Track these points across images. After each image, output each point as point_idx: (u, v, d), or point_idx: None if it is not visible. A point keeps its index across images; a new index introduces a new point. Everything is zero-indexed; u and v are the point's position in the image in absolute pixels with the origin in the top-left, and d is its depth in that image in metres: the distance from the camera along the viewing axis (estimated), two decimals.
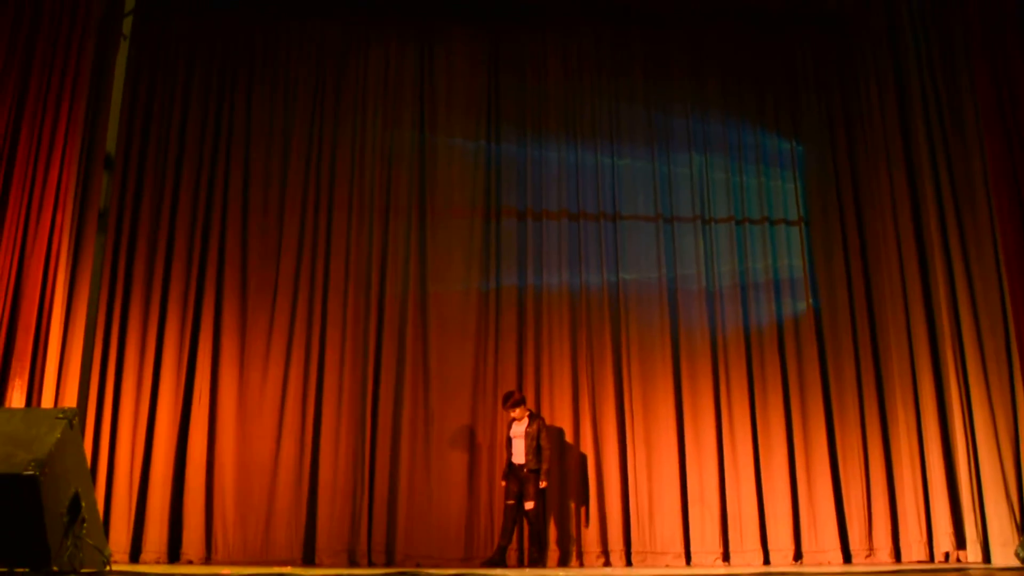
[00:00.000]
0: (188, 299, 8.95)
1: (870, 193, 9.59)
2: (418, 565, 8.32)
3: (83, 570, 4.64)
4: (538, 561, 8.26)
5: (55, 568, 4.46)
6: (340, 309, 9.14)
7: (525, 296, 9.39)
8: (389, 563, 8.44)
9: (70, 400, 7.69)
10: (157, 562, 8.11)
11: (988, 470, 7.80)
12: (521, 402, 8.45)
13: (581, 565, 8.56)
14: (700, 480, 8.87)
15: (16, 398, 6.93)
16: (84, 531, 4.69)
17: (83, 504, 4.72)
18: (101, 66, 8.54)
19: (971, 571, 6.16)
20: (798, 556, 8.67)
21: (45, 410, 5.16)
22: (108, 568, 4.94)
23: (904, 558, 8.60)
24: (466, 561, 8.47)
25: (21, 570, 4.42)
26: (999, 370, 7.88)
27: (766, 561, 8.63)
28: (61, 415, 4.74)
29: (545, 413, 8.92)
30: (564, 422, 9.00)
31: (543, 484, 8.22)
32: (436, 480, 8.77)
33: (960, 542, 8.17)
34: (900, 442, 8.81)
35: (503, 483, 8.46)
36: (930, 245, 8.68)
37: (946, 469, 8.37)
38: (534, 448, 8.23)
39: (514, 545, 8.42)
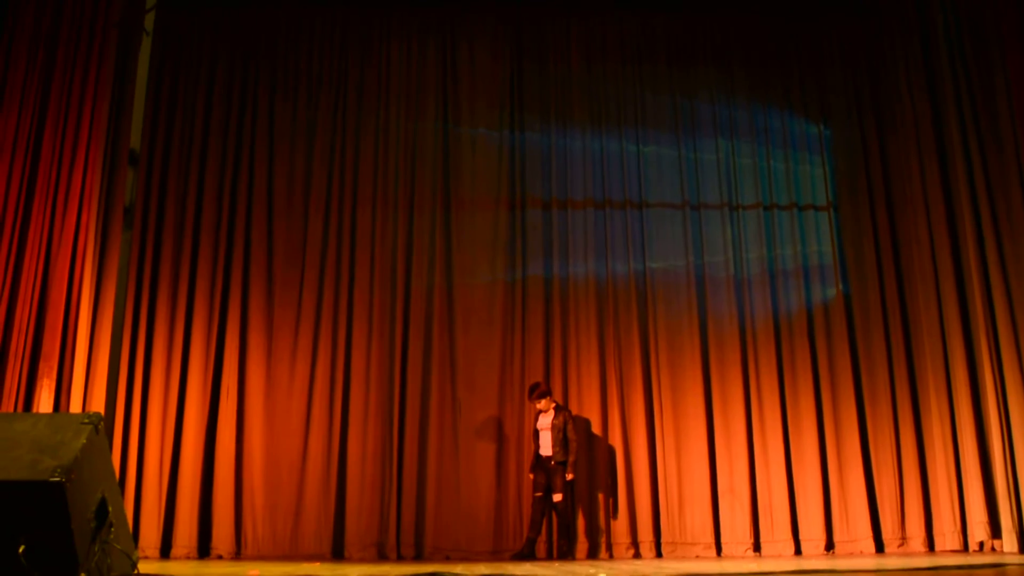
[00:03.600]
0: (214, 294, 8.98)
1: (900, 176, 9.44)
2: (447, 558, 8.32)
3: (111, 575, 4.64)
4: (567, 553, 8.25)
5: (83, 574, 4.46)
6: (366, 302, 9.12)
7: (551, 286, 9.32)
8: (418, 556, 8.45)
9: (99, 398, 7.71)
10: (187, 557, 8.17)
11: None
12: (547, 394, 8.40)
13: (611, 557, 8.53)
14: (730, 470, 8.80)
15: (44, 398, 6.97)
16: (112, 536, 4.68)
17: (110, 509, 4.69)
18: (124, 62, 8.55)
19: (1008, 565, 6.04)
20: (830, 546, 8.60)
21: (70, 415, 5.15)
22: (136, 572, 4.94)
23: (938, 547, 8.51)
24: (495, 554, 8.45)
25: None
26: None
27: (797, 551, 8.56)
28: (86, 420, 4.71)
29: (573, 404, 8.89)
30: (592, 413, 8.96)
31: (570, 476, 8.19)
32: (464, 473, 8.75)
33: (995, 531, 8.07)
34: (933, 430, 8.72)
35: (531, 475, 8.44)
36: (962, 228, 8.53)
37: (980, 457, 8.27)
38: (561, 440, 8.21)
39: (543, 537, 8.41)
